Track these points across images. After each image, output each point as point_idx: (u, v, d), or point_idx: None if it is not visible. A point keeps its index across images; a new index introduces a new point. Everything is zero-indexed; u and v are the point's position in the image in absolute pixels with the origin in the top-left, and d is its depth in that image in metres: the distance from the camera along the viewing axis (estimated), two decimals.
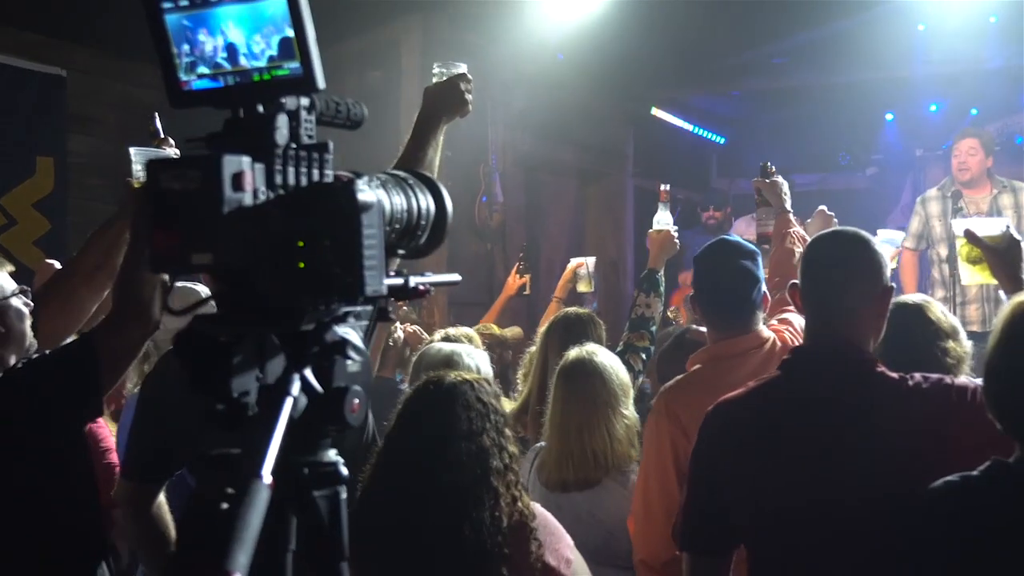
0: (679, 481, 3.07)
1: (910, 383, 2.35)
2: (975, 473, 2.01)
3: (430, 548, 2.40)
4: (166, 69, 1.45)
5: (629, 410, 3.56)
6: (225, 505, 1.47)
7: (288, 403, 1.32)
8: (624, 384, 3.56)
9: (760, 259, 3.32)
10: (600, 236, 9.92)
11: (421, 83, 7.32)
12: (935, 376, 2.43)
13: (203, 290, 3.96)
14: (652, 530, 3.13)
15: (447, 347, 3.66)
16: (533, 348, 4.43)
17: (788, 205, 3.92)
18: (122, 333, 2.66)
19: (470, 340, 4.36)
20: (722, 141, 11.46)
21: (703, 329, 3.64)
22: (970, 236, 3.00)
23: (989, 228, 3.04)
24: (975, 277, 3.42)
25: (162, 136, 3.17)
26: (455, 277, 1.79)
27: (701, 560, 2.57)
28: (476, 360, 3.55)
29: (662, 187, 4.96)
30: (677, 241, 4.61)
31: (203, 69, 1.44)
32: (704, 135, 11.18)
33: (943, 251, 6.93)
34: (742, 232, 7.00)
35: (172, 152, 3.11)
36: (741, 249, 3.31)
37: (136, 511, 3.04)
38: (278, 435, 1.27)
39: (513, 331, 6.18)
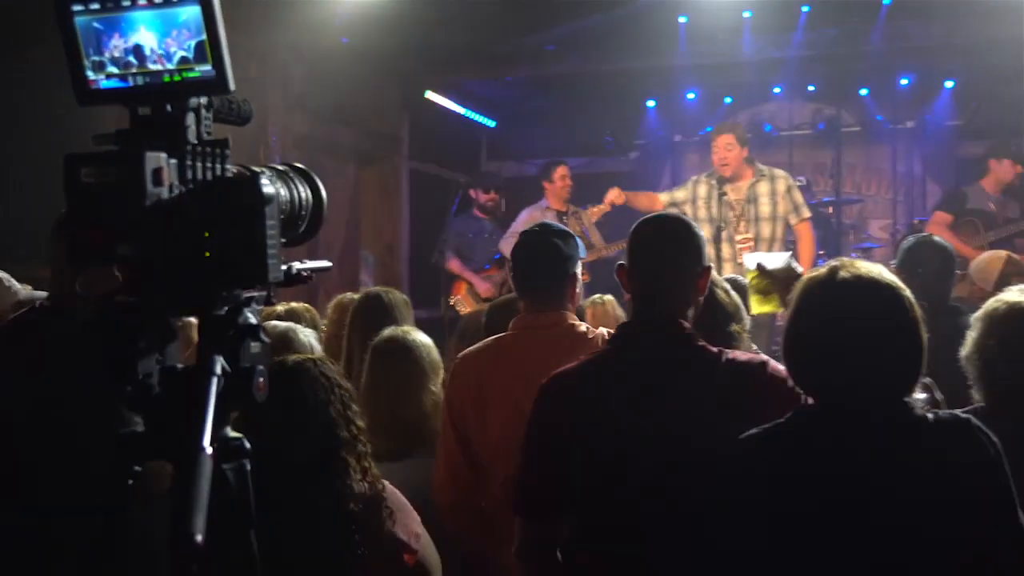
0: (454, 432, 3.32)
1: (725, 358, 2.60)
2: (780, 421, 2.26)
3: (284, 521, 2.43)
4: (73, 67, 1.52)
5: (437, 387, 3.71)
6: (132, 482, 1.57)
7: (214, 382, 1.43)
8: (435, 363, 3.70)
9: (574, 240, 3.49)
10: (376, 218, 10.02)
11: None
12: (749, 353, 2.72)
13: (6, 279, 3.88)
14: (439, 473, 3.36)
15: (282, 324, 3.72)
16: (323, 327, 4.52)
17: None
18: None
19: (310, 313, 4.43)
20: (492, 125, 11.73)
21: None
22: (761, 270, 3.34)
23: (774, 261, 3.41)
24: (763, 307, 3.73)
25: None
26: (327, 264, 1.91)
27: (532, 525, 2.71)
28: (309, 337, 3.63)
29: None
30: None
31: (112, 69, 1.51)
32: (475, 119, 11.42)
33: (707, 232, 7.38)
34: (537, 219, 7.20)
35: None
36: (552, 229, 3.50)
37: None
38: (211, 411, 1.38)
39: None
